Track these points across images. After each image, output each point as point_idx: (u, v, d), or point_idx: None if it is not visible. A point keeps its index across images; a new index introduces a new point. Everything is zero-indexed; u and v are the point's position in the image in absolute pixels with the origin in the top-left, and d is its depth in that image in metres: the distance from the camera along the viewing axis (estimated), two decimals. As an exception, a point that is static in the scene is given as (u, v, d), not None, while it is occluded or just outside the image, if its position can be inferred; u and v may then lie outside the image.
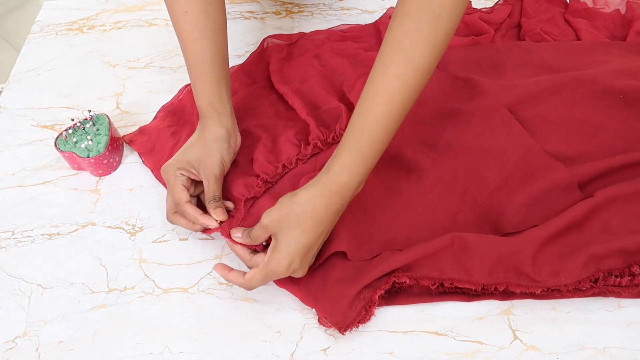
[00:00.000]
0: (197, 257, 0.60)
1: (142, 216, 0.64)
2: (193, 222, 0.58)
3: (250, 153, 0.67)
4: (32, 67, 0.84)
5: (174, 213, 0.59)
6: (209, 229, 0.57)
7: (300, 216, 0.50)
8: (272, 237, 0.51)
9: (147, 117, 0.74)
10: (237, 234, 0.54)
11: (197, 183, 0.60)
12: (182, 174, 0.58)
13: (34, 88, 0.80)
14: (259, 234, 0.52)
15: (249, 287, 0.51)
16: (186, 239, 0.61)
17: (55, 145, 0.65)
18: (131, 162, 0.70)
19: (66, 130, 0.66)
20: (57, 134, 0.67)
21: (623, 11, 0.84)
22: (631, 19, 0.81)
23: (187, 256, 0.60)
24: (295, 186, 0.62)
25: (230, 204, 0.60)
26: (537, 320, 0.53)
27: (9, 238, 0.62)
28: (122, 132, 0.72)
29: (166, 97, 0.76)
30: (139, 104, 0.77)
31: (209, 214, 0.57)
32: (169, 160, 0.59)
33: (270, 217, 0.51)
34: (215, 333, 0.53)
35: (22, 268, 0.60)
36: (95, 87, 0.80)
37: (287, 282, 0.55)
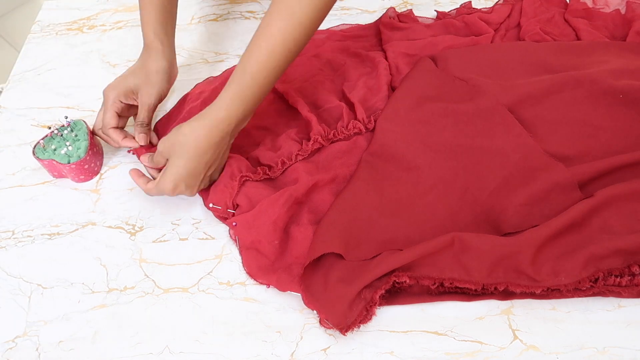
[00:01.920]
0: (197, 257, 0.60)
1: (142, 216, 0.64)
2: (115, 142, 0.66)
3: (247, 152, 0.67)
4: (32, 67, 0.84)
5: (101, 130, 0.67)
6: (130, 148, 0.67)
7: (184, 146, 0.57)
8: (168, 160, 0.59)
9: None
10: (145, 158, 0.64)
11: (132, 106, 0.68)
12: (120, 102, 0.66)
13: (34, 88, 0.80)
14: (159, 159, 0.61)
15: (148, 193, 0.62)
16: (186, 239, 0.61)
17: (34, 155, 0.64)
18: (131, 162, 0.70)
19: (43, 138, 0.65)
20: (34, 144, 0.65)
21: (623, 11, 0.84)
22: (631, 19, 0.82)
23: (187, 256, 0.60)
24: (295, 182, 0.62)
25: (155, 138, 0.68)
26: (537, 320, 0.53)
27: (9, 238, 0.62)
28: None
29: (166, 97, 0.76)
30: (139, 104, 0.77)
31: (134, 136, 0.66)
32: (113, 83, 0.67)
33: (164, 145, 0.59)
34: (215, 333, 0.53)
35: (22, 268, 0.60)
36: (95, 87, 0.80)
37: (291, 284, 0.55)
